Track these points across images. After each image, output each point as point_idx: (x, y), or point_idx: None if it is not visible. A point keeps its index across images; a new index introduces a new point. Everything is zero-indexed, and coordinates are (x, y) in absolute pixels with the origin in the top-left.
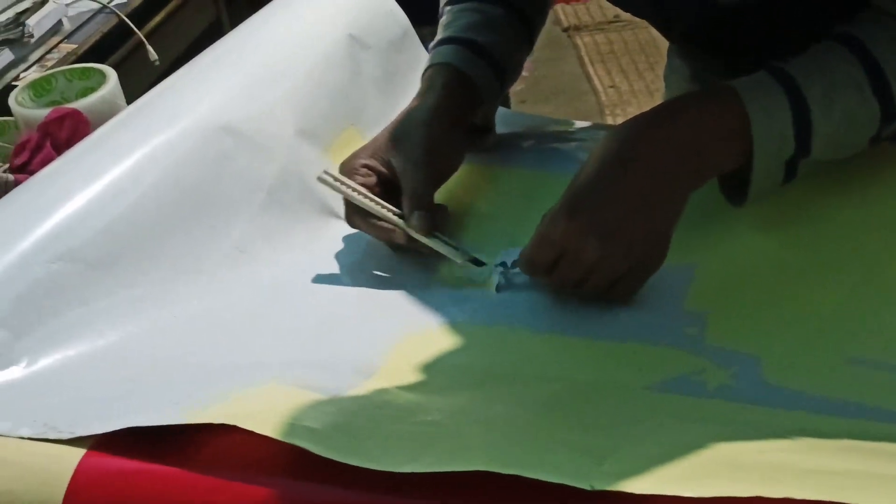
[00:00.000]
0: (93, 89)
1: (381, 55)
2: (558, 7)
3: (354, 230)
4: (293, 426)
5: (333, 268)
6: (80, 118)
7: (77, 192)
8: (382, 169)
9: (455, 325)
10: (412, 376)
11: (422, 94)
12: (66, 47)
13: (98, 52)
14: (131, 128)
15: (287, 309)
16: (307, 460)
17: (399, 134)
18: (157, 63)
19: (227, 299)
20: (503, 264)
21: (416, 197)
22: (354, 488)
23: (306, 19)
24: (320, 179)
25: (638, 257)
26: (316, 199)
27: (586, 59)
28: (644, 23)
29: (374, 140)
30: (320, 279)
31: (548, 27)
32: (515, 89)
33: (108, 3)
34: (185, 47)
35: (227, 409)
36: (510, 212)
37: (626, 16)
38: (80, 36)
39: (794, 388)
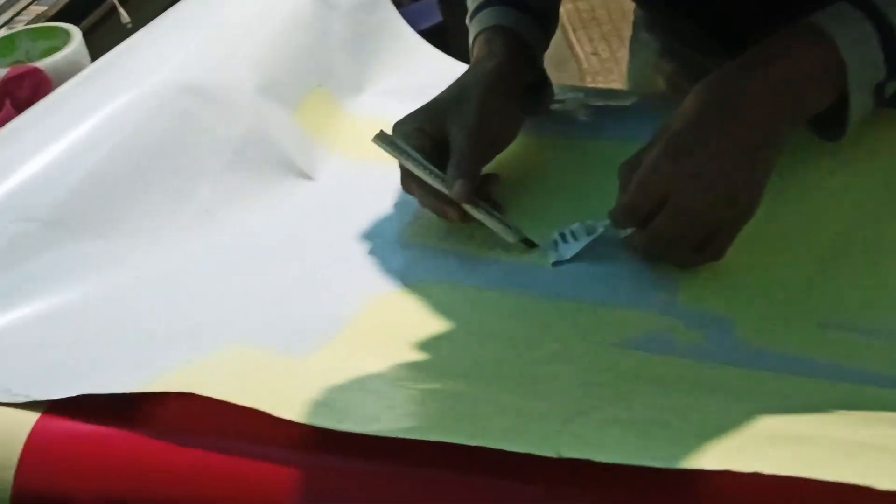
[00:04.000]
0: (58, 49)
1: (349, 16)
2: None
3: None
4: (253, 390)
5: (302, 228)
6: (41, 77)
7: (37, 152)
8: (437, 133)
9: (421, 285)
10: (378, 338)
11: (480, 60)
12: (36, 9)
13: (69, 14)
14: (92, 87)
15: (254, 270)
16: (265, 424)
17: (455, 98)
18: (130, 26)
19: (193, 261)
20: (561, 235)
21: (461, 164)
22: (315, 451)
23: None
24: (375, 140)
25: (737, 207)
26: (283, 159)
27: (568, 27)
28: None
29: (430, 103)
30: (289, 239)
31: None
32: None
33: None
34: (159, 10)
35: (186, 376)
36: (567, 184)
37: None
38: None
39: (767, 348)
